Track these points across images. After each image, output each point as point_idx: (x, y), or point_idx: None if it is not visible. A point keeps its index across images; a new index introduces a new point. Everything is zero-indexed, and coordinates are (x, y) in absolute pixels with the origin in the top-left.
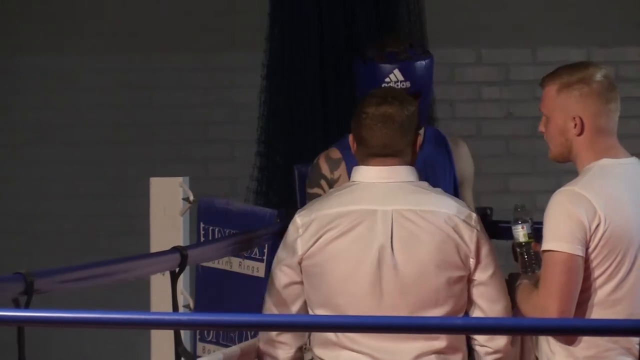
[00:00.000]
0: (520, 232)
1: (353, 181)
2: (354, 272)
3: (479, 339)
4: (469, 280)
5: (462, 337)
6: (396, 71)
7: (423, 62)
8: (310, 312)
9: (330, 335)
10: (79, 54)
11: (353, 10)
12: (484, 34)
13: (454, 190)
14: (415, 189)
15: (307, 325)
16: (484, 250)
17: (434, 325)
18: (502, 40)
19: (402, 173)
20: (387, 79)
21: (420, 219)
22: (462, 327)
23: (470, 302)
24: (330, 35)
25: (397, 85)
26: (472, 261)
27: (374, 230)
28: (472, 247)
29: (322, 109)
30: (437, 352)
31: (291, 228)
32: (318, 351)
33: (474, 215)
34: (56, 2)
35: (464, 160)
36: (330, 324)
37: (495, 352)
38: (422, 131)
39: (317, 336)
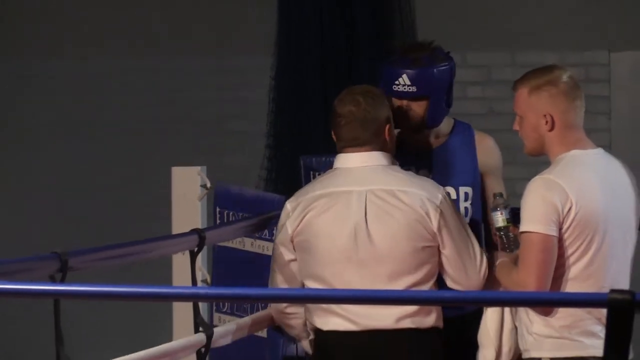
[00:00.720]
0: (500, 218)
1: (335, 168)
2: (333, 246)
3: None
4: (439, 251)
5: (435, 308)
6: (404, 76)
7: (434, 70)
8: (304, 284)
9: (313, 307)
10: (108, 58)
11: (353, 19)
12: (469, 39)
13: (474, 177)
14: (387, 171)
15: (303, 298)
16: (449, 225)
17: (410, 297)
18: (485, 44)
19: (374, 158)
20: (397, 82)
21: (391, 198)
22: (450, 300)
23: (441, 269)
24: (330, 42)
25: (405, 89)
26: (437, 235)
27: (350, 208)
28: (436, 222)
29: (324, 106)
30: (411, 316)
31: (283, 213)
32: (310, 317)
33: (440, 195)
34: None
35: (487, 153)
36: (321, 297)
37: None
38: (452, 125)
39: (309, 306)
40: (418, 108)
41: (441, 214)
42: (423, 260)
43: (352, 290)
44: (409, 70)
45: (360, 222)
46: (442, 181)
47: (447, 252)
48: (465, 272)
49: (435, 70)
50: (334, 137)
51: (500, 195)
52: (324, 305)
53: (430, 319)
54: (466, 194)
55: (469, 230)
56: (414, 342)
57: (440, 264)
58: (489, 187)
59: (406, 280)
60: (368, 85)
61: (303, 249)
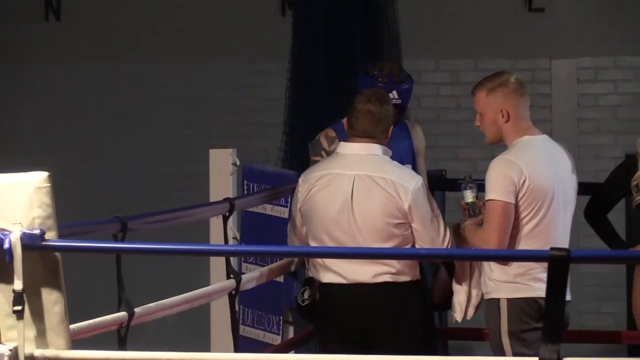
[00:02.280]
0: (468, 194)
1: (337, 153)
2: (327, 216)
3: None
4: (411, 226)
5: (410, 264)
6: (394, 92)
7: (409, 87)
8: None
9: (319, 261)
10: (157, 62)
11: (351, 33)
12: (442, 49)
13: (412, 155)
14: (377, 160)
15: (305, 253)
16: (419, 205)
17: (387, 253)
18: (453, 54)
19: (371, 149)
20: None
21: (373, 182)
22: (425, 255)
23: (414, 240)
24: (334, 52)
25: (394, 102)
26: (408, 213)
27: (341, 188)
28: (407, 203)
29: (328, 101)
30: (389, 273)
31: (296, 188)
32: (315, 273)
33: (414, 182)
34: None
35: (418, 137)
36: (319, 253)
37: None
38: None
39: (312, 261)
40: (396, 114)
41: (412, 196)
42: (396, 232)
43: (341, 247)
44: (397, 87)
45: (348, 199)
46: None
47: (417, 227)
48: (431, 243)
49: (409, 87)
50: (346, 126)
51: (470, 177)
52: (322, 264)
53: (405, 275)
54: (408, 167)
55: (437, 211)
56: (391, 293)
57: (413, 236)
58: (419, 164)
59: (382, 246)
60: (382, 91)
61: (307, 217)
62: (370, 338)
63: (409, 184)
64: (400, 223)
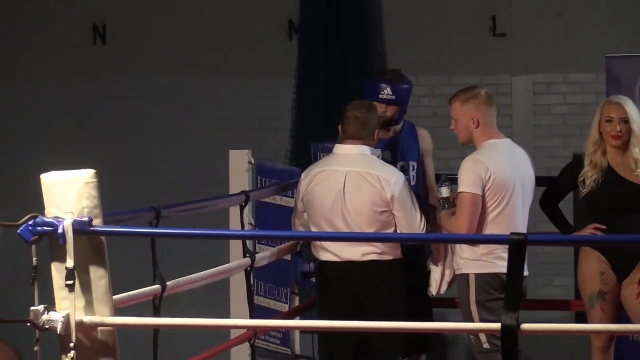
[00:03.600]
0: (444, 190)
1: (333, 153)
2: (324, 205)
3: None
4: (392, 213)
5: (392, 245)
6: (388, 89)
7: (404, 87)
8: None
9: (318, 243)
10: (187, 77)
11: (347, 52)
12: (421, 66)
13: (418, 155)
14: (365, 158)
15: (307, 237)
16: (400, 196)
17: (372, 237)
18: (431, 71)
19: (361, 149)
20: (383, 92)
21: (361, 177)
22: (405, 238)
23: (396, 226)
24: (332, 69)
25: (388, 97)
26: (390, 202)
27: (335, 182)
28: (389, 194)
29: (327, 111)
30: (375, 253)
31: (299, 182)
32: (316, 252)
33: (395, 176)
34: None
35: (425, 140)
36: (319, 237)
37: None
38: (402, 124)
39: (313, 243)
40: (391, 111)
41: (393, 188)
42: (380, 219)
43: (335, 232)
44: (391, 85)
45: (340, 191)
46: (401, 158)
47: (398, 214)
48: (410, 228)
49: (406, 87)
50: (340, 131)
51: (446, 176)
52: (320, 245)
53: (388, 255)
54: (414, 166)
55: (415, 202)
56: (377, 269)
57: (395, 222)
58: (427, 163)
59: (368, 230)
60: (368, 101)
61: (308, 206)
62: (361, 307)
63: (391, 178)
64: (384, 211)
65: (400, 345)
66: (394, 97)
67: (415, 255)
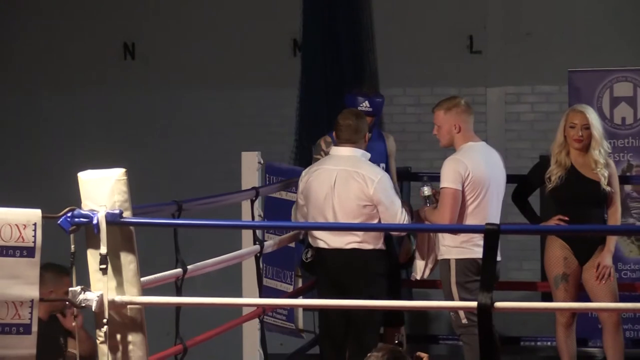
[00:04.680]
0: (426, 189)
1: (329, 154)
2: (317, 199)
3: None
4: (376, 207)
5: (373, 235)
6: (366, 102)
7: (378, 100)
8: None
9: (313, 232)
10: (206, 89)
11: (343, 68)
12: (408, 80)
13: (386, 157)
14: (355, 159)
15: (308, 227)
16: (381, 191)
17: (357, 227)
18: (416, 83)
19: (352, 151)
20: (362, 105)
21: (349, 175)
22: (385, 228)
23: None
24: (330, 82)
25: (365, 109)
26: (373, 197)
27: (328, 179)
28: (372, 190)
29: (326, 119)
30: (356, 242)
31: (300, 179)
32: (313, 241)
33: (379, 175)
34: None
35: (390, 144)
36: (315, 227)
37: None
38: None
39: (310, 232)
40: (368, 121)
41: (376, 185)
42: (365, 212)
43: (324, 222)
44: (368, 99)
45: (331, 187)
46: (371, 159)
47: (380, 208)
48: (391, 219)
49: (380, 100)
50: (334, 136)
51: (427, 179)
52: (314, 234)
53: (368, 244)
54: (383, 166)
55: (396, 198)
56: (357, 256)
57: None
58: (391, 163)
59: (355, 221)
60: (356, 110)
61: (306, 199)
62: (345, 288)
63: (375, 177)
64: (368, 205)
65: (378, 322)
66: (370, 109)
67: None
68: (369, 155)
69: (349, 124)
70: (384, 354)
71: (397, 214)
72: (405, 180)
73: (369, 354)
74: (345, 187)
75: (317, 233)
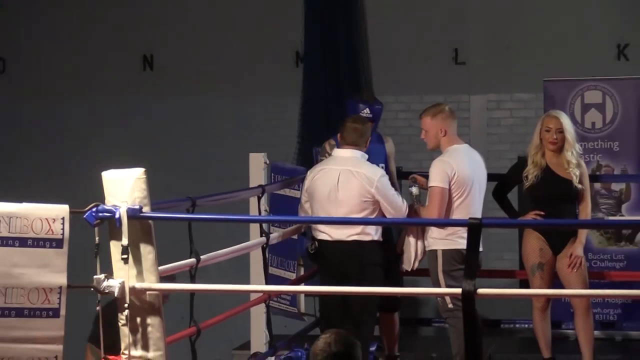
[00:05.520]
0: (414, 189)
1: (332, 155)
2: (321, 196)
3: None
4: (377, 202)
5: (372, 229)
6: (367, 109)
7: (378, 107)
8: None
9: (316, 225)
10: (218, 97)
11: (340, 76)
12: (398, 88)
13: (385, 159)
14: (356, 160)
15: (310, 221)
16: (381, 188)
17: (358, 221)
18: (407, 91)
19: (354, 153)
20: (363, 111)
21: (351, 174)
22: (383, 223)
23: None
24: (330, 90)
25: (366, 114)
26: (375, 194)
27: (331, 178)
28: (373, 189)
29: (326, 123)
30: (357, 234)
31: (306, 176)
32: (315, 233)
33: (379, 174)
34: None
35: (389, 146)
36: (317, 221)
37: None
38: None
39: (313, 225)
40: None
41: (376, 183)
42: (366, 207)
43: (328, 217)
44: (369, 106)
45: (335, 185)
46: (371, 160)
47: (382, 202)
48: (395, 210)
49: (379, 107)
50: (339, 137)
51: (414, 180)
52: (317, 227)
53: (368, 236)
54: (382, 166)
55: (394, 191)
56: (358, 247)
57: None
58: (390, 164)
59: (356, 216)
60: (364, 117)
61: (310, 196)
62: (347, 276)
63: (374, 175)
64: (368, 200)
65: (374, 307)
66: (371, 115)
67: (392, 237)
68: (367, 156)
69: (356, 128)
70: (330, 335)
71: (398, 205)
72: (397, 178)
73: (319, 337)
74: (348, 185)
75: (320, 226)
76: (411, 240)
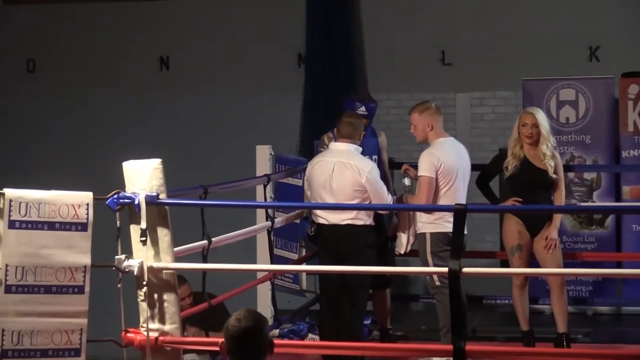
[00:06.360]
0: (406, 180)
1: (329, 148)
2: (318, 185)
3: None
4: (367, 192)
5: (364, 214)
6: (363, 107)
7: (372, 105)
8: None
9: (314, 210)
10: (228, 96)
11: (338, 76)
12: (390, 86)
13: (378, 151)
14: (350, 153)
15: (309, 207)
16: (371, 180)
17: (351, 206)
18: (398, 89)
19: (349, 146)
20: (359, 109)
21: (344, 165)
22: (373, 208)
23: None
24: (329, 89)
25: (362, 113)
26: (365, 184)
27: (327, 169)
28: (364, 179)
29: (325, 118)
30: (350, 218)
31: (307, 167)
32: (315, 217)
33: (369, 166)
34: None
35: (382, 139)
36: (315, 206)
37: None
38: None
39: (313, 211)
40: (365, 121)
41: (367, 174)
42: (357, 195)
43: (325, 203)
44: (364, 104)
45: (330, 175)
46: (365, 152)
47: (370, 192)
48: (380, 201)
49: (374, 105)
50: (336, 131)
51: (406, 171)
52: (316, 212)
53: (360, 221)
54: (375, 158)
55: (382, 184)
56: (351, 230)
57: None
58: (383, 156)
59: (349, 202)
60: (357, 114)
61: (309, 185)
62: (341, 256)
63: (365, 167)
64: (359, 190)
65: (367, 284)
66: (366, 113)
67: (383, 222)
68: (360, 149)
69: (350, 122)
70: (242, 312)
71: (384, 196)
72: (390, 168)
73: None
74: (341, 176)
75: (318, 211)
76: (403, 226)
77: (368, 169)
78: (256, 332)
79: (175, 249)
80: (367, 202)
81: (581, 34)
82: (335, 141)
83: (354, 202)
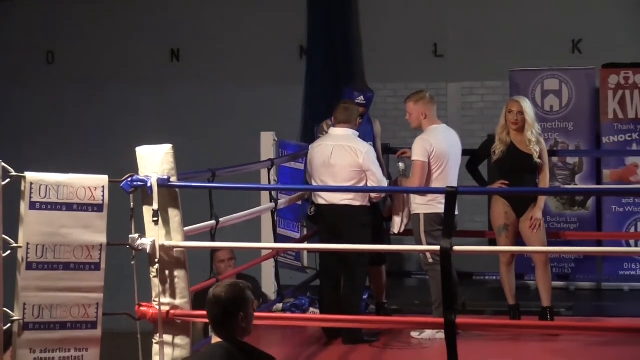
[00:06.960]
0: (401, 165)
1: (329, 133)
2: (318, 167)
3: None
4: (364, 173)
5: (362, 196)
6: (361, 97)
7: (370, 95)
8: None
9: (314, 192)
10: (234, 86)
11: (338, 67)
12: (386, 76)
13: (373, 138)
14: (348, 136)
15: (311, 189)
16: (367, 161)
17: (351, 189)
18: (393, 79)
19: (347, 131)
20: (357, 98)
21: (343, 148)
22: (370, 190)
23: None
24: (330, 80)
25: (360, 101)
26: (362, 164)
27: (326, 152)
28: (361, 159)
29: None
30: (348, 199)
31: (308, 151)
32: (315, 198)
33: (366, 147)
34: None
35: (377, 127)
36: (316, 189)
37: None
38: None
39: (313, 192)
40: (361, 110)
41: (364, 156)
42: (354, 176)
43: (325, 185)
44: (362, 93)
45: (329, 157)
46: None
47: (368, 173)
48: (377, 181)
49: (371, 95)
50: (334, 118)
51: (401, 156)
52: (316, 193)
53: (357, 201)
54: (370, 144)
55: (378, 166)
56: (349, 210)
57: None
58: (377, 143)
59: (347, 184)
60: (351, 101)
61: (310, 168)
62: (339, 235)
63: (363, 149)
64: (357, 171)
65: (364, 261)
66: (364, 102)
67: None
68: (357, 133)
69: (346, 107)
70: (223, 284)
71: (380, 177)
72: (385, 153)
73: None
74: (340, 158)
75: (318, 193)
76: (398, 208)
77: (365, 150)
78: (233, 302)
79: (185, 228)
80: (363, 184)
81: (565, 27)
82: (334, 127)
83: (352, 182)
